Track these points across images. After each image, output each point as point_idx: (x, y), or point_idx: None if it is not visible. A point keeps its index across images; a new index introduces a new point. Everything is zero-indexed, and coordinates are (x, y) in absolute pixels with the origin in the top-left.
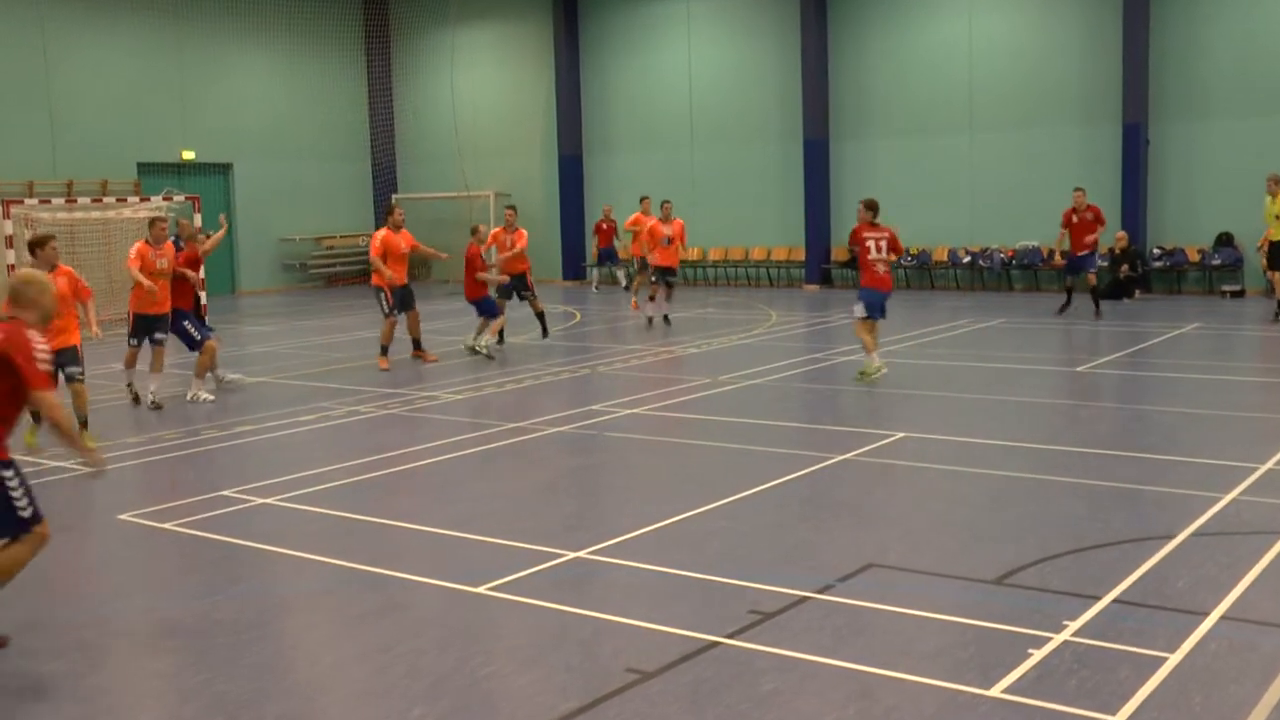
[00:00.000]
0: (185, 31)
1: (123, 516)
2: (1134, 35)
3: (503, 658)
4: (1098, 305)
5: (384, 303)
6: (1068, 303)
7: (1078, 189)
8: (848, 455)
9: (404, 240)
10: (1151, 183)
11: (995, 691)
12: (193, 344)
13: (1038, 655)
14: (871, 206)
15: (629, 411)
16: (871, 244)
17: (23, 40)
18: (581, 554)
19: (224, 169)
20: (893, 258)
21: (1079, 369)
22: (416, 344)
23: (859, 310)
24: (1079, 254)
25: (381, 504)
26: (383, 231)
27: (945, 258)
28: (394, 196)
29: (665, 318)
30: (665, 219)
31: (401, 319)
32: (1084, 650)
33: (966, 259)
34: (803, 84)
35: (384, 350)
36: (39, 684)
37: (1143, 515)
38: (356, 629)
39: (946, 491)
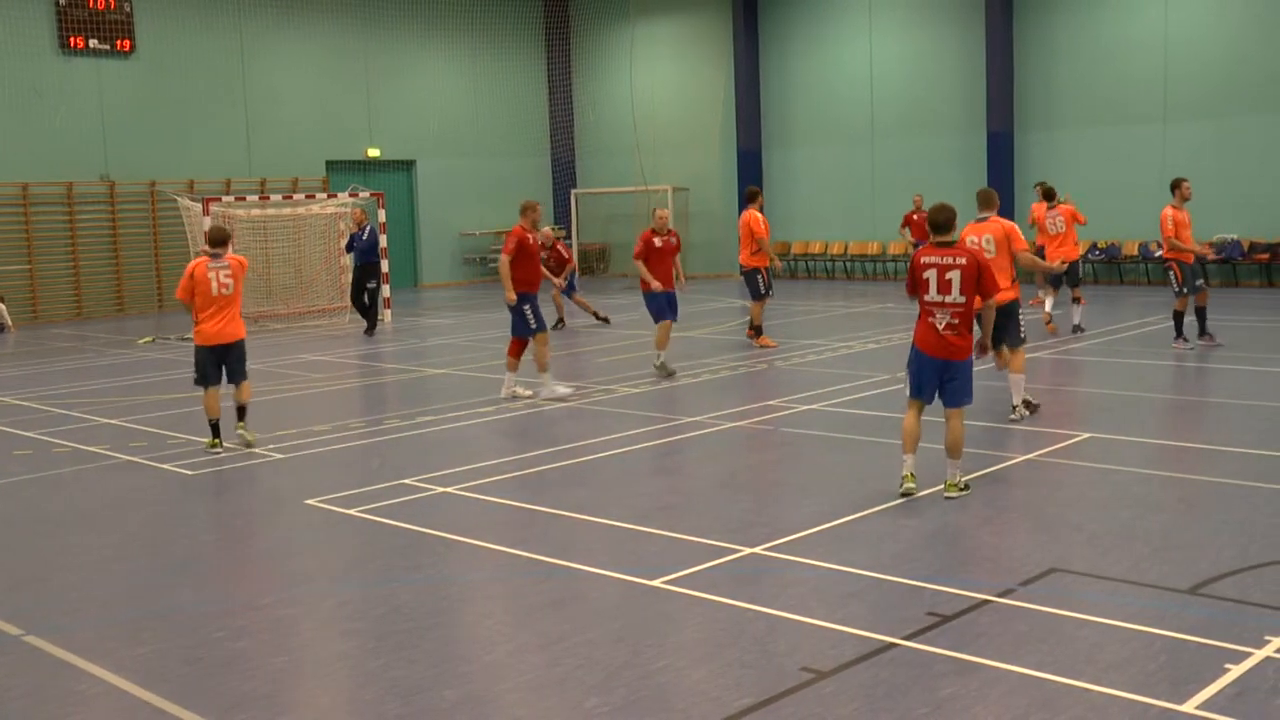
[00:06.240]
0: (371, 33)
1: (310, 501)
2: None
3: (676, 652)
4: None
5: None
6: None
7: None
8: (1030, 455)
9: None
10: None
11: (1188, 707)
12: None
13: (1236, 671)
14: (937, 218)
15: (807, 407)
16: (932, 277)
17: (221, 48)
18: (758, 550)
19: (407, 165)
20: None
21: None
22: (759, 330)
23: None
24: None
25: (559, 495)
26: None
27: (1135, 252)
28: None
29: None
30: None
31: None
32: None
33: (1158, 253)
34: (987, 75)
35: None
36: (229, 660)
37: None
38: (532, 618)
39: (1136, 496)
